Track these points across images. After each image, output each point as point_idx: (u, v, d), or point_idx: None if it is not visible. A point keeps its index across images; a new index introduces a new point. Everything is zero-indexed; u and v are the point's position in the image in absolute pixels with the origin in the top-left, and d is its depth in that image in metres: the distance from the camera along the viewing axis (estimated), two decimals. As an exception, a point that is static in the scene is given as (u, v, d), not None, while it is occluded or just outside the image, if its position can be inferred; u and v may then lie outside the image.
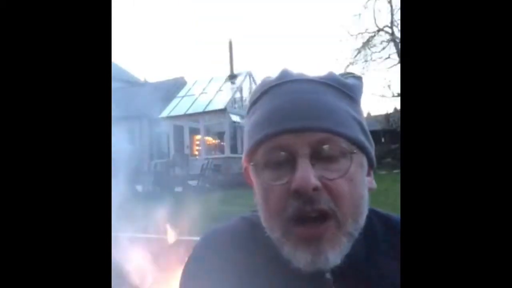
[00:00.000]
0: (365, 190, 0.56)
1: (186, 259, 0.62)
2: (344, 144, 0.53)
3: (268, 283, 0.55)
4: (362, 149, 0.55)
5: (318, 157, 0.52)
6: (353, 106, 0.57)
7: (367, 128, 0.58)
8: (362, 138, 0.55)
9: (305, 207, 0.50)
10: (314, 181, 0.50)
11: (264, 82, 0.59)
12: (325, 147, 0.52)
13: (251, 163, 0.56)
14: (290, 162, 0.52)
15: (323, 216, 0.51)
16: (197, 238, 0.65)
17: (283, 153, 0.52)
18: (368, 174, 0.58)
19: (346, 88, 0.57)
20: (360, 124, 0.56)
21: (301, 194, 0.50)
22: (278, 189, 0.52)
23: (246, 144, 0.58)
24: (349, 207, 0.52)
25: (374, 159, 0.58)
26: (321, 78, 0.57)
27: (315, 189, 0.50)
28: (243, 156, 0.59)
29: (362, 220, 0.54)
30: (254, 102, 0.59)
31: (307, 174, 0.50)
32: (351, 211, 0.52)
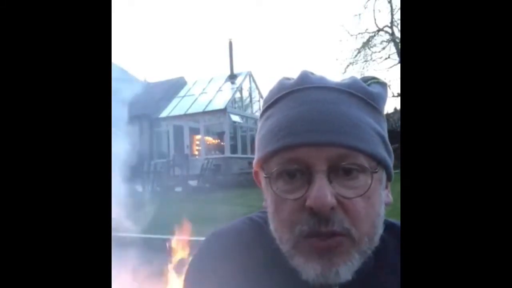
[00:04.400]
0: (382, 207, 0.53)
1: (190, 259, 0.62)
2: (365, 161, 0.50)
3: (273, 286, 0.54)
4: (383, 164, 0.53)
5: (336, 173, 0.49)
6: (376, 118, 0.54)
7: (387, 139, 0.55)
8: (383, 153, 0.53)
9: (319, 226, 0.48)
10: (330, 200, 0.47)
11: (282, 85, 0.55)
12: (344, 163, 0.49)
13: (265, 175, 0.54)
14: (305, 176, 0.49)
15: (337, 235, 0.49)
16: (197, 238, 0.65)
17: (298, 166, 0.50)
18: (385, 187, 0.55)
19: (370, 98, 0.53)
20: (381, 137, 0.53)
21: (316, 213, 0.48)
22: (291, 203, 0.50)
23: (259, 149, 0.55)
24: (365, 226, 0.50)
25: (393, 172, 0.56)
26: (344, 85, 0.54)
27: (332, 208, 0.48)
28: (255, 160, 0.57)
29: (378, 239, 0.52)
30: (270, 105, 0.56)
31: (324, 193, 0.47)
32: (367, 230, 0.50)
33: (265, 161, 0.54)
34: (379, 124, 0.54)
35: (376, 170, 0.51)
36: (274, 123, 0.53)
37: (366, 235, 0.50)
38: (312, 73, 0.56)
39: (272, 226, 0.53)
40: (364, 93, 0.54)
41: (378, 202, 0.52)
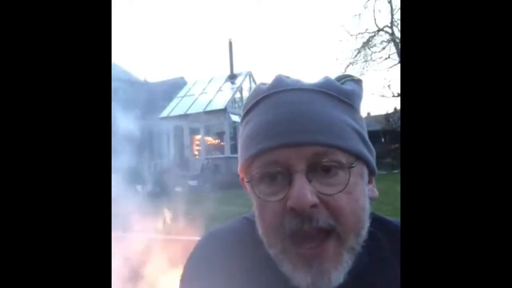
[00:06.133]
0: (366, 202, 0.53)
1: (187, 258, 0.62)
2: (342, 157, 0.50)
3: (268, 285, 0.54)
4: (362, 159, 0.53)
5: (315, 171, 0.50)
6: (351, 115, 0.54)
7: (366, 136, 0.55)
8: (361, 148, 0.53)
9: (303, 225, 0.48)
10: (311, 198, 0.48)
11: (257, 91, 0.56)
12: (322, 161, 0.50)
13: (246, 180, 0.54)
14: (286, 177, 0.50)
15: (323, 233, 0.49)
16: (197, 238, 0.65)
17: (278, 168, 0.50)
18: (370, 182, 0.56)
19: (344, 96, 0.54)
20: (358, 133, 0.54)
21: (298, 212, 0.48)
22: (274, 205, 0.50)
23: (240, 155, 0.56)
24: (350, 221, 0.50)
25: (375, 166, 0.56)
26: (317, 86, 0.54)
27: (313, 206, 0.48)
28: (239, 166, 0.57)
29: (365, 233, 0.52)
30: (247, 112, 0.57)
31: (304, 192, 0.48)
32: (352, 225, 0.50)
33: (247, 166, 0.54)
34: (355, 121, 0.54)
35: (353, 165, 0.51)
36: (252, 128, 0.54)
37: (352, 231, 0.50)
38: (287, 77, 0.57)
39: (259, 231, 0.54)
40: (338, 91, 0.54)
41: (361, 196, 0.52)
